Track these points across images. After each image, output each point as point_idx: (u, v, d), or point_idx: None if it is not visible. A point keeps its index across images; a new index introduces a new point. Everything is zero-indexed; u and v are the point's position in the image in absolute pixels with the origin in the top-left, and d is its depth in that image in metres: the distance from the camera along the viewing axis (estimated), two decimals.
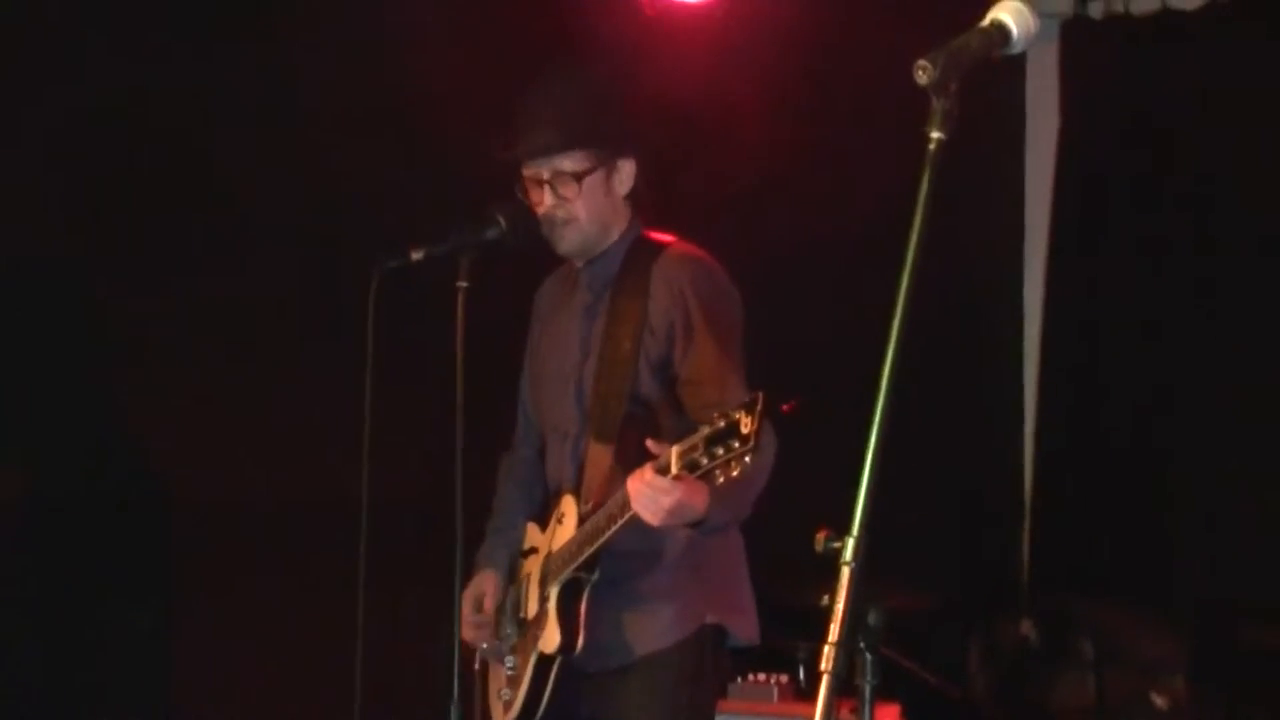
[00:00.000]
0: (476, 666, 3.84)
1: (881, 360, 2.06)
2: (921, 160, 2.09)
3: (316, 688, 4.44)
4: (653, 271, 3.67)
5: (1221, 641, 5.58)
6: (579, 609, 3.57)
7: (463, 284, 3.56)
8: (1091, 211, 6.42)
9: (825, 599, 2.00)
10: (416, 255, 3.64)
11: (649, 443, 3.27)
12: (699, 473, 3.12)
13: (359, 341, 3.63)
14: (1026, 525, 6.44)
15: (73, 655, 4.44)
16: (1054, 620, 5.78)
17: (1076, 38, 6.38)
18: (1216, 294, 6.12)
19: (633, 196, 3.76)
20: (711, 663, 3.71)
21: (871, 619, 2.00)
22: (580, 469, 3.69)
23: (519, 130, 3.70)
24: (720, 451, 3.06)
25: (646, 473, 3.25)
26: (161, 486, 4.62)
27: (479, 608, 3.81)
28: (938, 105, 2.09)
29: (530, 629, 3.72)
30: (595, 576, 3.57)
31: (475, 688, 3.88)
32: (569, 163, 3.66)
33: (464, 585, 3.67)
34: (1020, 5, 2.18)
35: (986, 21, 2.18)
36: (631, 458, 3.40)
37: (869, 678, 2.03)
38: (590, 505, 3.58)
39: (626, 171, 3.73)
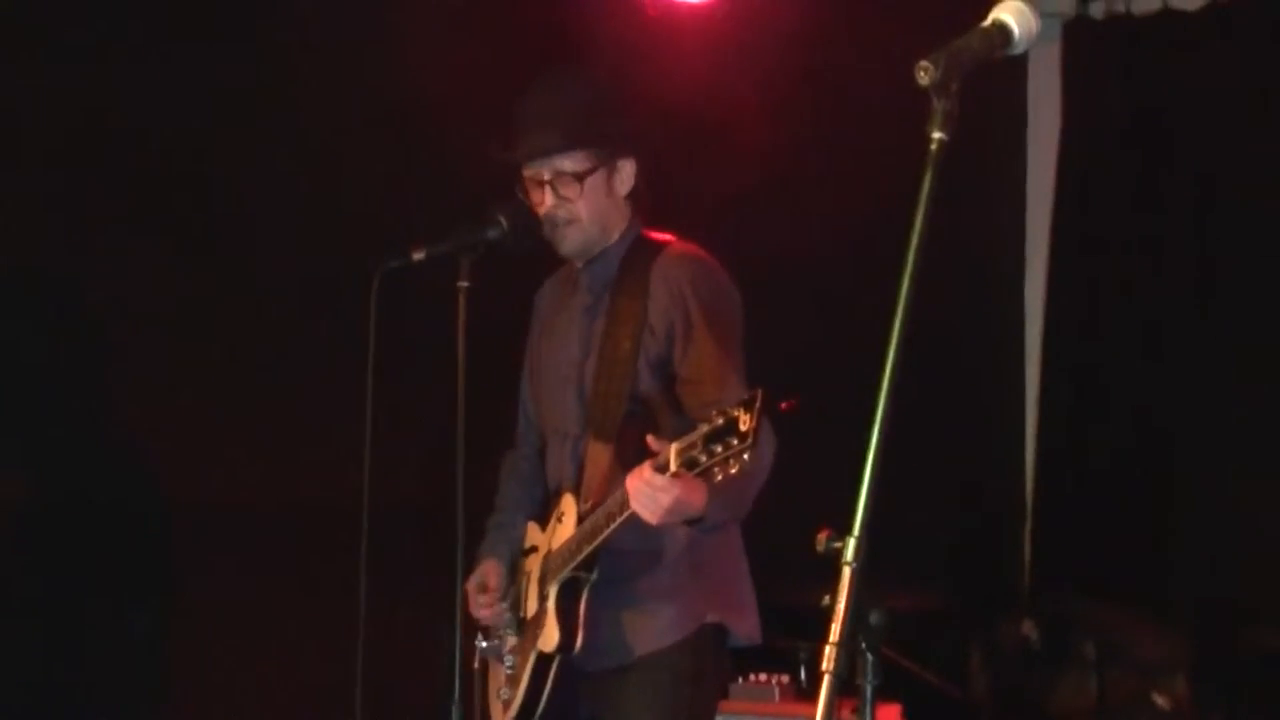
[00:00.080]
0: (476, 666, 3.84)
1: (882, 360, 2.06)
2: (922, 160, 2.09)
3: (316, 688, 4.44)
4: (652, 271, 3.67)
5: (1222, 642, 5.58)
6: (578, 608, 3.58)
7: (464, 284, 3.56)
8: (1093, 211, 6.42)
9: (826, 599, 2.00)
10: (418, 255, 3.64)
11: (649, 439, 3.27)
12: (698, 470, 3.12)
13: (359, 341, 3.63)
14: (1027, 525, 6.44)
15: (72, 655, 4.44)
16: (1055, 621, 5.77)
17: (1078, 38, 6.39)
18: (1216, 294, 6.12)
19: (633, 196, 3.76)
20: (712, 662, 3.71)
21: (873, 619, 2.00)
22: (580, 468, 3.69)
23: (519, 131, 3.70)
24: (719, 449, 3.07)
25: (645, 471, 3.25)
26: (161, 486, 4.61)
27: (485, 590, 3.81)
28: (939, 105, 2.08)
29: (529, 628, 3.73)
30: (594, 575, 3.58)
31: (475, 687, 3.88)
32: (570, 163, 3.66)
33: (464, 585, 3.66)
34: (1022, 5, 2.18)
35: (988, 22, 2.18)
36: (631, 457, 3.40)
37: (870, 678, 2.03)
38: (589, 504, 3.58)
39: (627, 171, 3.73)
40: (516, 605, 3.81)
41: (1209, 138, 6.08)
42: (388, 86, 4.90)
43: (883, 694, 2.05)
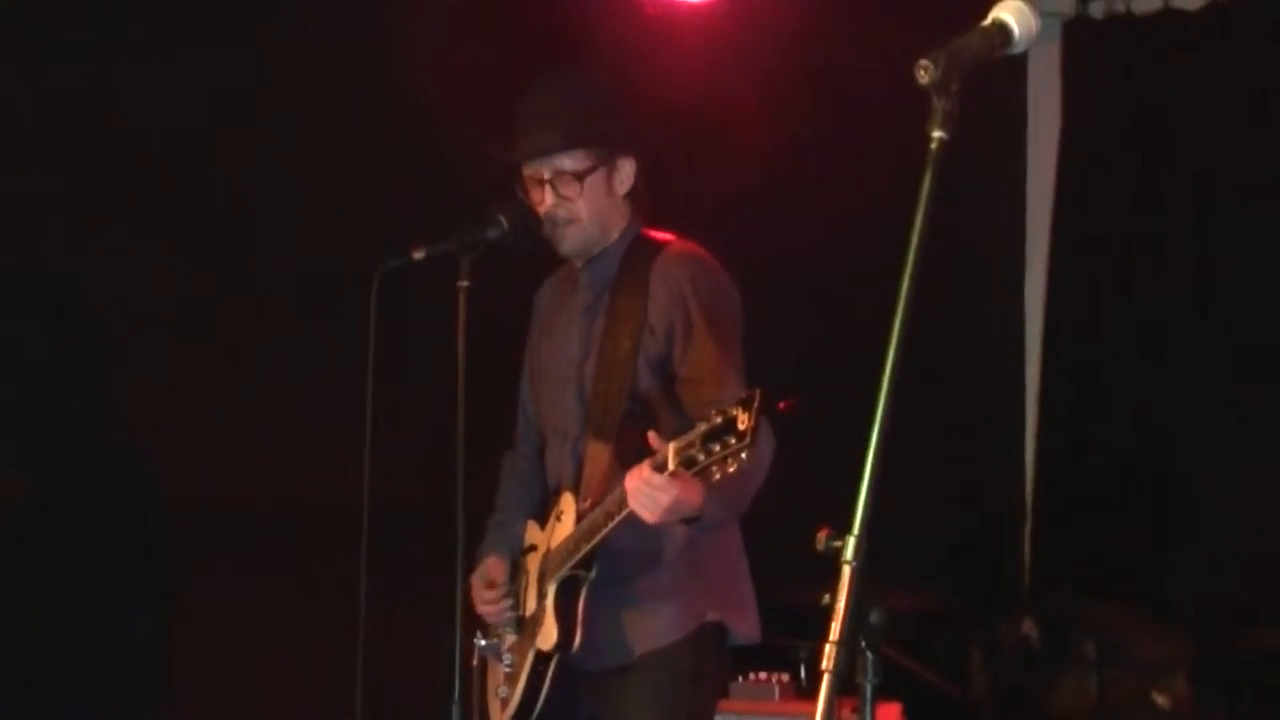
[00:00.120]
0: (474, 664, 3.83)
1: (882, 360, 2.06)
2: (922, 160, 2.09)
3: (316, 688, 4.44)
4: (652, 270, 3.67)
5: (1222, 642, 5.58)
6: (576, 606, 3.58)
7: (464, 283, 3.56)
8: (1093, 211, 6.42)
9: (826, 598, 2.00)
10: (418, 255, 3.64)
11: (650, 436, 3.27)
12: (696, 469, 3.13)
13: (359, 341, 3.63)
14: (1027, 525, 6.44)
15: (72, 655, 4.44)
16: (1055, 620, 5.78)
17: (1078, 37, 6.39)
18: (1216, 294, 6.12)
19: (632, 196, 3.76)
20: (712, 661, 3.71)
21: (873, 618, 2.00)
22: (579, 467, 3.70)
23: (519, 131, 3.70)
24: (717, 448, 3.07)
25: (644, 470, 3.25)
26: (161, 486, 4.61)
27: (491, 586, 3.82)
28: (939, 105, 2.08)
29: (528, 626, 3.73)
30: (593, 574, 3.58)
31: (473, 685, 3.88)
32: (570, 162, 3.67)
33: (464, 585, 3.66)
34: (1022, 5, 2.17)
35: (988, 21, 2.18)
36: (630, 456, 3.41)
37: (870, 677, 2.03)
38: (588, 503, 3.58)
39: (627, 170, 3.73)
40: (516, 604, 3.81)
41: (1209, 137, 6.08)
42: (388, 86, 4.90)
43: (883, 693, 2.05)
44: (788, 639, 4.91)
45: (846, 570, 2.00)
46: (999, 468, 6.51)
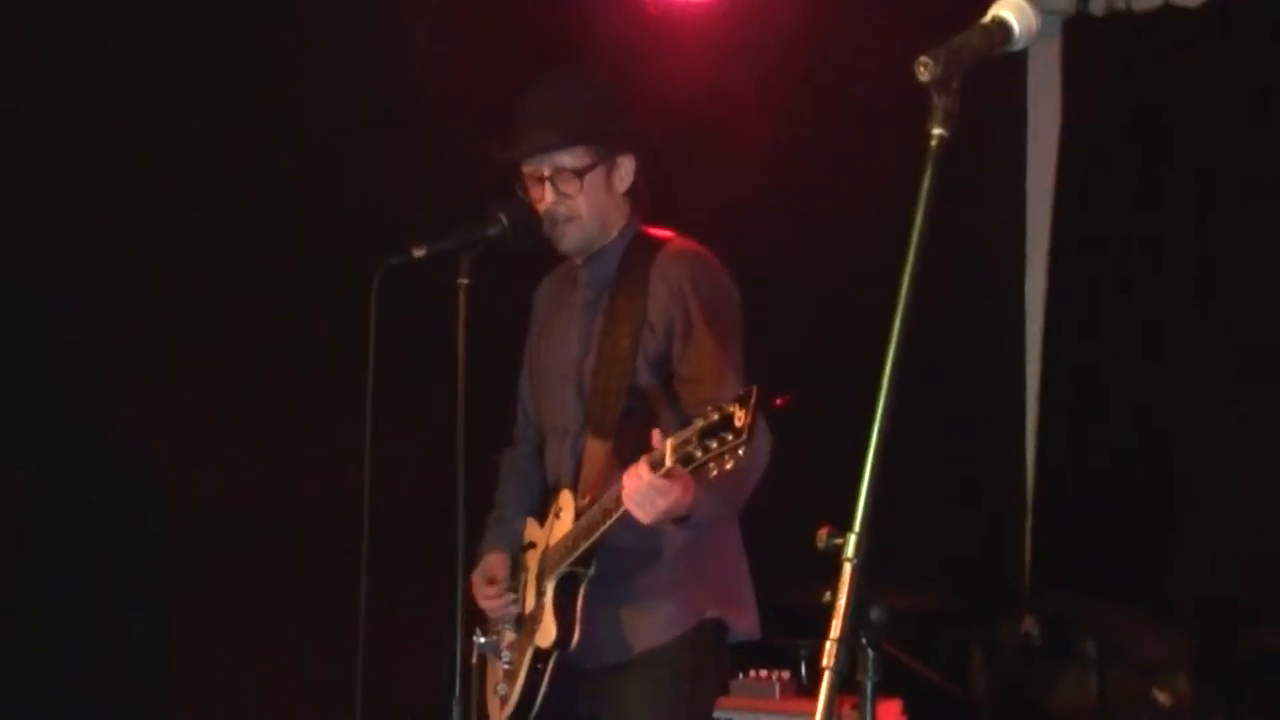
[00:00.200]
0: (474, 662, 3.83)
1: (882, 358, 2.06)
2: (923, 158, 2.08)
3: (316, 688, 4.44)
4: (652, 268, 3.68)
5: (1222, 641, 5.58)
6: (575, 603, 3.58)
7: (464, 281, 3.56)
8: (1093, 209, 6.42)
9: (827, 595, 2.00)
10: (418, 252, 3.63)
11: (654, 434, 3.27)
12: (693, 465, 3.13)
13: (359, 341, 3.63)
14: (1027, 525, 6.44)
15: (72, 655, 4.43)
16: (1055, 619, 5.78)
17: (1078, 35, 6.39)
18: (1217, 293, 6.12)
19: (632, 193, 3.77)
20: (712, 658, 3.71)
21: (873, 615, 2.00)
22: (578, 464, 3.70)
23: (519, 129, 3.70)
24: (714, 445, 3.07)
25: (642, 471, 3.25)
26: (161, 486, 4.61)
27: (492, 581, 3.82)
28: (939, 102, 2.08)
29: (527, 624, 3.73)
30: (591, 571, 3.58)
31: (472, 683, 3.88)
32: (570, 159, 3.67)
33: (464, 585, 3.66)
34: (1022, 2, 2.17)
35: (988, 18, 2.17)
36: (629, 453, 3.41)
37: (871, 674, 2.03)
38: (587, 500, 3.59)
39: (626, 168, 3.73)
40: (514, 601, 3.81)
41: (1209, 135, 6.08)
42: (388, 86, 4.90)
43: (883, 690, 2.05)
44: (788, 637, 4.92)
45: (847, 568, 2.00)
46: (999, 467, 6.51)
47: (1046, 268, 6.48)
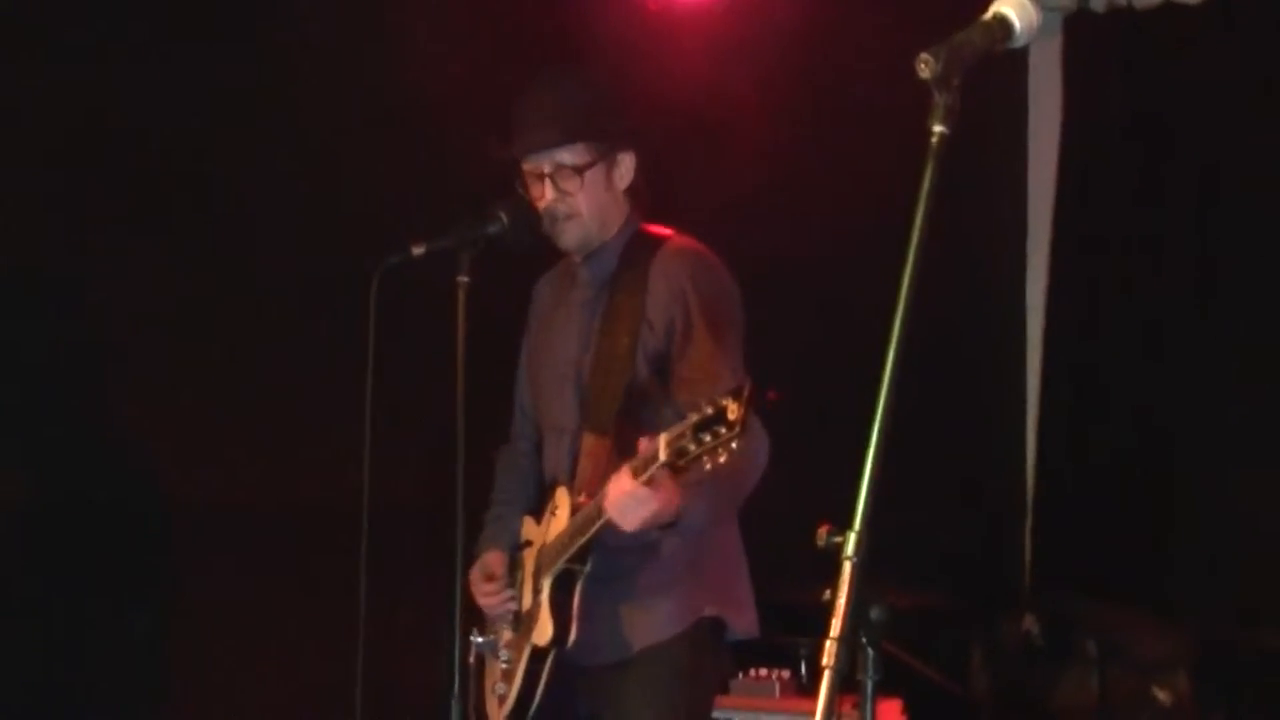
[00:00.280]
0: (472, 661, 3.83)
1: (883, 357, 2.05)
2: (923, 155, 2.08)
3: (316, 688, 4.44)
4: (652, 266, 3.67)
5: (1223, 641, 5.58)
6: (572, 601, 3.58)
7: (463, 279, 3.56)
8: (1094, 206, 6.41)
9: (827, 594, 2.00)
10: (418, 250, 3.63)
11: (641, 441, 3.28)
12: (688, 459, 3.14)
13: (359, 341, 3.63)
14: (1027, 524, 6.44)
15: (72, 655, 4.43)
16: (1056, 618, 5.77)
17: (1079, 32, 6.38)
18: (1217, 293, 6.11)
19: (632, 191, 3.77)
20: (710, 656, 3.71)
21: (873, 614, 2.00)
22: (576, 462, 3.70)
23: (519, 128, 3.70)
24: (708, 438, 3.08)
25: (624, 480, 3.26)
26: (161, 486, 4.61)
27: (491, 579, 3.81)
28: (940, 99, 2.08)
29: (524, 622, 3.72)
30: (587, 568, 3.58)
31: (470, 684, 3.87)
32: (570, 156, 3.67)
33: (463, 584, 3.66)
34: None
35: (989, 15, 2.17)
36: (627, 451, 3.41)
37: (871, 673, 2.03)
38: (583, 497, 3.59)
39: (626, 165, 3.73)
40: (512, 598, 3.81)
41: (1211, 132, 6.07)
42: (388, 86, 4.90)
43: (883, 689, 2.05)
44: (788, 636, 4.92)
45: (847, 566, 2.00)
46: (999, 467, 6.51)
47: (1048, 265, 6.47)
